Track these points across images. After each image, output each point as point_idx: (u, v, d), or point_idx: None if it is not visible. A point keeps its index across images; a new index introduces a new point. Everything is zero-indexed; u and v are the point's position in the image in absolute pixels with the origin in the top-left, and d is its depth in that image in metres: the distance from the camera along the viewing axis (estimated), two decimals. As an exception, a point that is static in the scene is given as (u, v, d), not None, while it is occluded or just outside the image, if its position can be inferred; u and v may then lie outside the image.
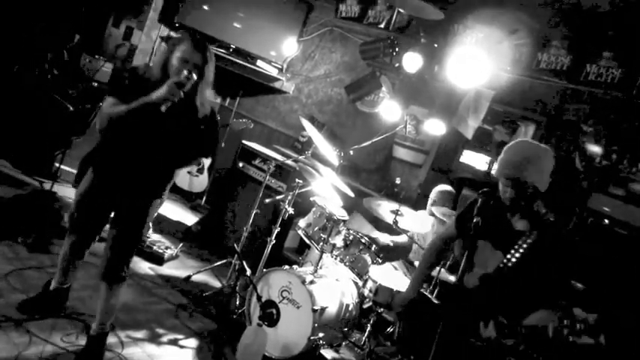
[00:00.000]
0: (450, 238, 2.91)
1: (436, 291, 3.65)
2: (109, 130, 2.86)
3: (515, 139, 5.21)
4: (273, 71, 7.07)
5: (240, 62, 6.74)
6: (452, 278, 3.73)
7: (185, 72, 2.77)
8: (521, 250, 2.42)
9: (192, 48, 2.85)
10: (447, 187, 4.87)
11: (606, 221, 4.57)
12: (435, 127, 5.06)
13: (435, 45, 5.22)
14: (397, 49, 5.18)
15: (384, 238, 4.77)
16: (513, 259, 2.42)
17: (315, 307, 3.59)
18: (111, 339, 3.24)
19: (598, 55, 4.76)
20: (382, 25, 6.26)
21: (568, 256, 2.46)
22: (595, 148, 4.80)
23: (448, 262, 4.06)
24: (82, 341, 3.14)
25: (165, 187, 3.17)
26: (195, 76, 2.80)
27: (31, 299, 3.31)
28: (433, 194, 4.86)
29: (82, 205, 3.05)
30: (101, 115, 2.85)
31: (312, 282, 3.76)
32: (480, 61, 4.52)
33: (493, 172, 5.53)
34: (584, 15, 4.78)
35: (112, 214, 3.09)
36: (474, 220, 2.42)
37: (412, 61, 5.02)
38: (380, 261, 4.14)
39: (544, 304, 2.26)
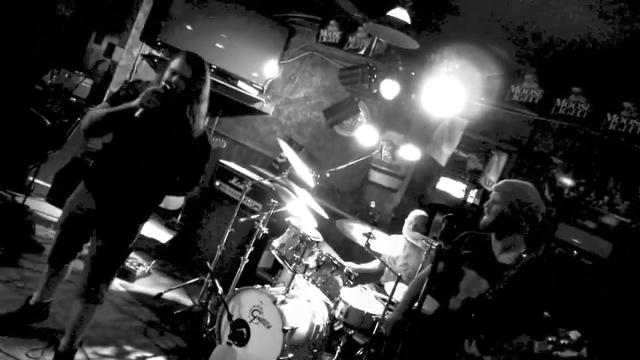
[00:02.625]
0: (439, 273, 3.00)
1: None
2: (100, 136, 2.93)
3: (489, 168, 5.41)
4: (253, 92, 7.14)
5: (221, 82, 6.80)
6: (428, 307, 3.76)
7: (164, 82, 2.81)
8: (504, 282, 2.56)
9: (183, 61, 2.88)
10: (424, 213, 4.94)
11: (575, 252, 4.69)
12: (410, 153, 5.17)
13: (413, 73, 5.36)
14: (375, 76, 5.30)
15: (352, 266, 4.80)
16: (497, 289, 2.56)
17: (286, 328, 3.60)
18: (77, 355, 3.20)
19: (568, 90, 4.94)
20: (362, 52, 6.39)
21: (547, 285, 2.59)
22: (564, 180, 4.95)
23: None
24: (48, 357, 3.10)
25: (153, 209, 3.16)
26: (174, 86, 2.81)
27: (10, 314, 3.26)
28: (412, 218, 4.91)
29: (71, 217, 3.01)
30: (88, 114, 2.87)
31: (283, 302, 3.77)
32: (455, 90, 4.66)
33: (470, 199, 5.70)
34: (556, 51, 4.96)
35: (96, 231, 3.02)
36: (463, 252, 2.70)
37: (390, 88, 5.15)
38: (351, 283, 4.18)
39: (524, 329, 2.35)
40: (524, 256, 2.61)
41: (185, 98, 2.89)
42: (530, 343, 2.18)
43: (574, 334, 2.06)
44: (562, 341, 2.06)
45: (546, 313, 2.55)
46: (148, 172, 2.94)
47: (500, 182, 2.78)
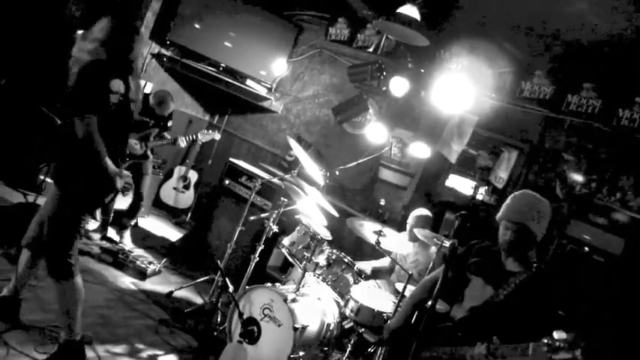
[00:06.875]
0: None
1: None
2: None
3: (499, 165, 5.38)
4: (262, 90, 7.15)
5: (230, 81, 6.81)
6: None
7: None
8: (509, 288, 2.55)
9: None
10: (425, 212, 4.86)
11: (586, 249, 4.66)
12: (420, 151, 5.13)
13: (422, 70, 5.33)
14: (384, 73, 5.25)
15: (362, 266, 4.77)
16: (502, 296, 2.55)
17: (296, 326, 3.60)
18: (89, 353, 3.22)
19: (579, 86, 4.89)
20: (371, 49, 6.38)
21: (553, 296, 2.56)
22: (575, 177, 4.91)
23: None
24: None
25: (70, 171, 3.02)
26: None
27: None
28: (411, 219, 4.85)
29: None
30: None
31: (293, 300, 3.77)
32: (464, 87, 4.62)
33: (479, 196, 5.67)
34: (566, 47, 4.92)
35: None
36: (471, 260, 2.70)
37: (399, 86, 5.11)
38: (362, 281, 4.17)
39: (533, 332, 2.33)
40: (534, 265, 2.59)
41: None
42: (526, 347, 2.13)
43: (570, 336, 2.03)
44: (557, 344, 2.02)
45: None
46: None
47: (515, 202, 2.67)
